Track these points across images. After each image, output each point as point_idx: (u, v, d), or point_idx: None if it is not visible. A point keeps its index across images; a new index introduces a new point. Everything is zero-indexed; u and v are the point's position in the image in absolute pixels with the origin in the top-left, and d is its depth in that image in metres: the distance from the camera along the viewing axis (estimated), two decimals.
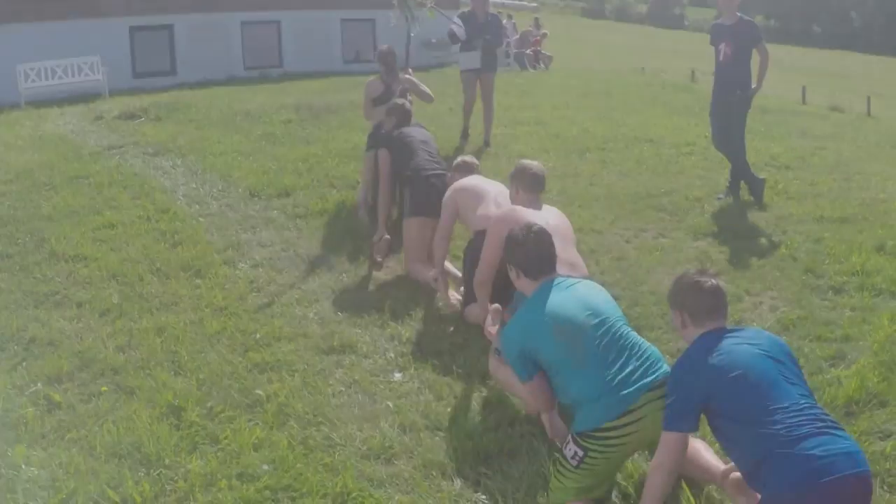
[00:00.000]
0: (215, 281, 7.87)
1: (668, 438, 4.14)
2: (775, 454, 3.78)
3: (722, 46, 10.14)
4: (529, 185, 6.33)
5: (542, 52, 30.18)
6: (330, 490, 4.79)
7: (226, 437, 5.32)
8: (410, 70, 11.09)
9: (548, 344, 4.74)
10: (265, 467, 5.00)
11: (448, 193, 7.44)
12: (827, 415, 3.98)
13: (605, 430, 4.45)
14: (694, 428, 4.20)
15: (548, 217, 6.03)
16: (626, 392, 4.46)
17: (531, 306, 4.93)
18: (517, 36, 29.87)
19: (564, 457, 4.61)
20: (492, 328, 5.66)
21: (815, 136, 15.18)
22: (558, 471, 4.64)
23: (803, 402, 3.92)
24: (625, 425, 4.43)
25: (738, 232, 9.04)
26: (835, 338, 6.61)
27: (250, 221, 9.58)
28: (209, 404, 5.71)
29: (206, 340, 6.70)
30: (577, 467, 4.53)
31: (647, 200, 10.13)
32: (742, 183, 10.32)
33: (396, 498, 4.75)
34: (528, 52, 29.28)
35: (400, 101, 9.34)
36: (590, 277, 5.73)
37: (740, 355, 4.08)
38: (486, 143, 13.32)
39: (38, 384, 6.05)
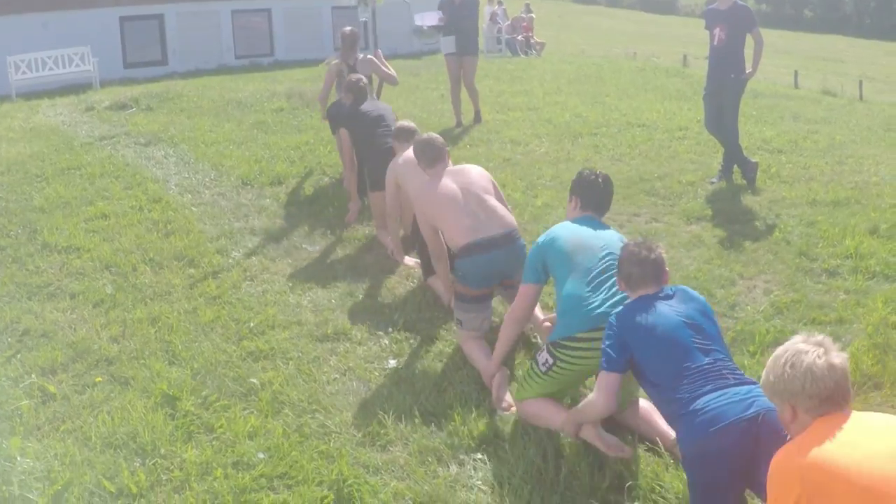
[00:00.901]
0: (208, 270, 7.86)
1: (605, 379, 4.56)
2: (680, 416, 4.19)
3: (716, 31, 10.13)
4: (431, 158, 6.75)
5: (534, 38, 30.10)
6: (325, 477, 4.79)
7: (221, 426, 5.33)
8: (379, 52, 11.56)
9: (560, 246, 5.32)
10: (260, 455, 5.01)
11: (388, 171, 7.71)
12: (733, 370, 4.29)
13: (576, 341, 5.00)
14: (622, 370, 4.53)
15: (459, 182, 6.49)
16: (600, 312, 4.97)
17: (566, 224, 5.54)
18: (508, 22, 29.80)
19: (536, 362, 5.25)
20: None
21: (808, 120, 15.17)
22: (528, 374, 5.31)
23: (707, 363, 4.26)
24: (593, 340, 4.88)
25: (731, 216, 9.04)
26: (829, 321, 6.63)
27: (243, 210, 9.57)
28: (204, 393, 5.72)
29: (199, 330, 6.69)
30: (545, 373, 5.17)
31: (640, 185, 10.12)
32: (735, 167, 10.32)
33: (392, 484, 4.75)
34: (519, 37, 29.21)
35: (355, 77, 9.42)
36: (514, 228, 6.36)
37: (661, 319, 4.46)
38: (477, 116, 13.82)
39: (33, 376, 6.06)
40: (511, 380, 5.79)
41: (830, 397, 3.32)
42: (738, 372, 4.29)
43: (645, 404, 5.04)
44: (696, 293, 4.76)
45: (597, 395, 4.59)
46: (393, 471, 4.90)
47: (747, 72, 10.15)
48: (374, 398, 5.67)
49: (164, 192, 10.24)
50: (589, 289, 5.09)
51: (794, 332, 6.19)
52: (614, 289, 5.02)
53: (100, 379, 6.00)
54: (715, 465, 4.02)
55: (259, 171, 10.83)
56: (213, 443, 5.19)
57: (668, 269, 4.83)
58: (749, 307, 6.88)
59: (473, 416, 5.36)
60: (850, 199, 9.45)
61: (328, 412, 5.48)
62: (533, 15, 31.55)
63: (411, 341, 6.46)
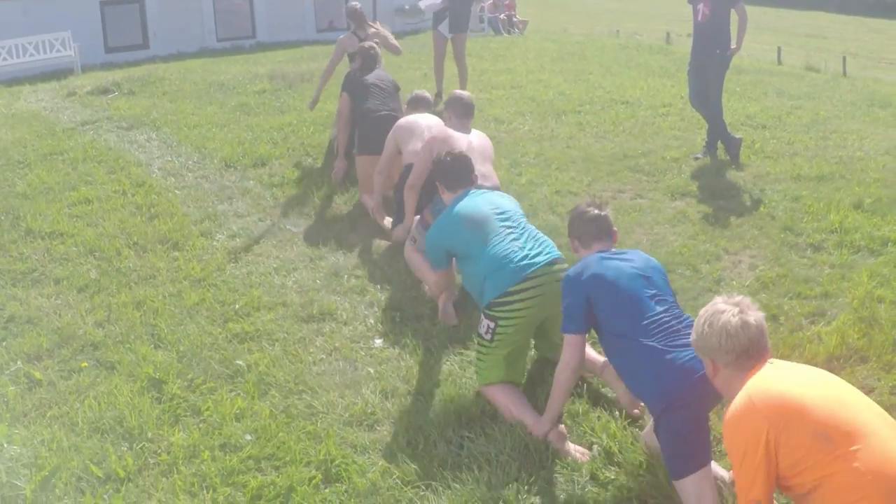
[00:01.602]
0: (193, 253, 7.83)
1: (568, 340, 4.76)
2: (646, 360, 4.38)
3: (700, 7, 10.12)
4: (460, 112, 7.42)
5: (517, 17, 30.03)
6: (313, 458, 4.79)
7: (207, 409, 5.31)
8: (378, 23, 12.01)
9: (460, 234, 5.64)
10: (248, 437, 5.00)
11: (390, 132, 8.09)
12: (682, 319, 4.53)
13: (510, 295, 5.19)
14: (585, 328, 4.73)
15: (471, 138, 7.20)
16: (525, 263, 5.26)
17: (448, 210, 5.86)
18: (490, 1, 29.72)
19: (481, 336, 5.35)
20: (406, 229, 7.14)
21: (792, 96, 15.19)
22: (479, 352, 5.40)
23: (661, 312, 4.50)
24: (526, 290, 5.19)
25: (715, 191, 9.06)
26: (814, 295, 6.65)
27: (226, 192, 9.54)
28: (190, 376, 5.71)
29: (185, 312, 6.67)
30: (491, 340, 5.27)
31: (624, 162, 10.13)
32: (719, 143, 10.33)
33: (380, 464, 4.75)
34: (501, 16, 29.14)
35: (367, 44, 10.00)
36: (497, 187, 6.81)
37: (616, 270, 4.69)
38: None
39: (18, 362, 6.02)
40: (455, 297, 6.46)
41: (746, 352, 3.67)
42: (687, 320, 4.50)
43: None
44: (640, 252, 5.04)
45: (565, 354, 4.77)
46: (380, 450, 4.90)
47: (732, 47, 10.15)
48: (360, 378, 5.66)
49: (148, 176, 10.19)
50: (505, 248, 5.38)
51: (779, 307, 6.29)
52: (529, 242, 5.44)
53: (85, 364, 5.97)
54: (688, 412, 4.25)
55: (242, 153, 10.80)
56: (200, 425, 5.18)
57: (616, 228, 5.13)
58: (734, 282, 6.89)
59: (460, 393, 5.36)
60: (834, 173, 9.48)
61: (315, 393, 5.47)
62: None
63: (397, 321, 6.45)
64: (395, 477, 4.64)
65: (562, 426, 4.93)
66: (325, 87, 11.56)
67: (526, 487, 4.50)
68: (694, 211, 8.51)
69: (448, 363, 5.81)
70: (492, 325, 5.27)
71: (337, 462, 4.74)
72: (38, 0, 23.55)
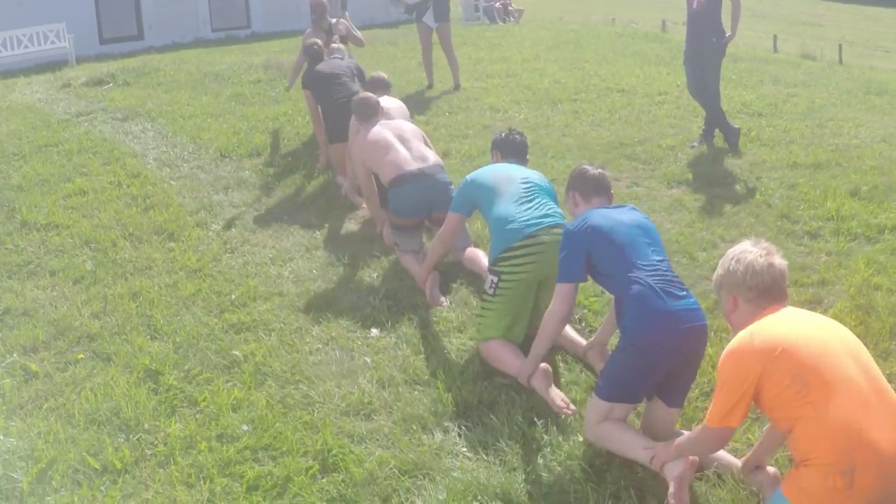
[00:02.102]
0: (188, 243, 7.83)
1: (560, 289, 4.99)
2: (636, 306, 4.60)
3: None
4: (366, 117, 7.64)
5: (512, 5, 29.96)
6: (310, 448, 4.79)
7: (204, 399, 5.31)
8: (347, 14, 12.61)
9: (486, 181, 6.03)
10: (244, 427, 5.00)
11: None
12: (675, 276, 4.78)
13: (513, 250, 5.56)
14: (582, 278, 5.00)
15: (398, 124, 7.53)
16: (529, 223, 5.60)
17: (490, 166, 6.31)
18: None
19: (485, 292, 5.73)
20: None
21: (788, 84, 15.16)
22: (483, 307, 5.78)
23: (657, 261, 4.75)
24: (528, 246, 5.54)
25: (712, 179, 9.05)
26: (811, 283, 6.65)
27: (222, 182, 9.52)
28: (186, 367, 5.70)
29: (181, 303, 6.67)
30: (494, 294, 5.63)
31: (621, 150, 10.12)
32: (716, 131, 10.31)
33: (377, 453, 4.75)
34: (496, 4, 29.06)
35: (309, 41, 10.53)
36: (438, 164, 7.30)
37: (614, 220, 4.91)
38: (457, 87, 14.06)
39: (14, 355, 6.01)
40: (439, 280, 6.67)
41: (768, 291, 3.90)
42: (677, 277, 4.80)
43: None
44: (637, 209, 5.26)
45: (554, 303, 5.02)
46: (377, 439, 4.90)
47: (727, 35, 10.13)
48: (357, 367, 5.66)
49: (143, 167, 10.17)
50: (516, 208, 5.72)
51: None
52: (538, 207, 5.74)
53: (82, 356, 5.97)
54: (654, 358, 4.55)
55: (237, 143, 10.78)
56: (197, 416, 5.18)
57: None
58: None
59: (457, 383, 5.36)
60: (830, 161, 9.48)
61: (311, 383, 5.47)
62: None
63: (393, 310, 6.45)
64: (392, 466, 4.63)
65: (548, 368, 5.13)
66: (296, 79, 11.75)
67: (523, 476, 4.50)
68: (690, 199, 8.50)
69: (444, 352, 5.80)
70: (495, 279, 5.62)
71: (334, 452, 4.73)
72: None
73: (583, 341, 5.60)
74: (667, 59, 17.14)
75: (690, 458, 4.11)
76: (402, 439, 4.86)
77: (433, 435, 4.91)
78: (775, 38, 24.40)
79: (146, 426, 5.09)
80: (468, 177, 6.26)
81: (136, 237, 8.01)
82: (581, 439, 4.75)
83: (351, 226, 8.19)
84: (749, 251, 4.00)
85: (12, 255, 7.77)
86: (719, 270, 4.06)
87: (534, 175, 6.09)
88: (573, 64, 16.65)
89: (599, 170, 5.33)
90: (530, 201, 5.77)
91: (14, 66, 21.11)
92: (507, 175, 6.01)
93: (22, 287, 7.13)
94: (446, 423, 5.00)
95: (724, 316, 4.13)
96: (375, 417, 5.12)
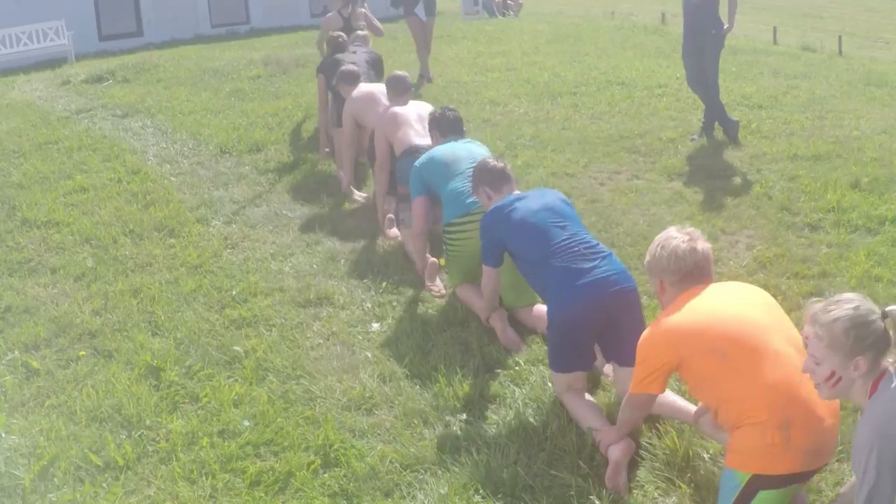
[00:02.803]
0: (189, 239, 7.83)
1: (486, 271, 5.71)
2: (551, 279, 5.05)
3: None
4: (395, 92, 8.17)
5: None
6: (312, 443, 4.80)
7: (205, 395, 5.31)
8: (366, 5, 12.73)
9: (436, 164, 6.64)
10: (246, 423, 5.00)
11: (345, 106, 8.81)
12: (594, 245, 5.13)
13: (453, 226, 6.31)
14: (498, 263, 5.60)
15: (417, 109, 7.95)
16: (470, 202, 6.20)
17: (435, 149, 6.84)
18: None
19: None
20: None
21: (788, 76, 15.14)
22: (454, 259, 6.47)
23: (568, 239, 5.12)
24: (464, 223, 6.23)
25: (712, 172, 9.04)
26: (812, 274, 6.64)
27: (222, 178, 9.53)
28: (188, 363, 5.71)
29: (182, 299, 6.67)
30: (448, 256, 6.49)
31: (621, 143, 10.11)
32: (716, 124, 10.30)
33: (378, 448, 4.75)
34: None
35: (335, 34, 10.84)
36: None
37: (523, 210, 5.37)
38: (428, 79, 14.36)
39: (16, 352, 6.02)
40: (438, 268, 6.92)
41: (690, 273, 4.17)
42: (590, 244, 5.14)
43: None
44: (549, 189, 5.94)
45: (484, 279, 5.77)
46: (379, 434, 4.91)
47: (725, 27, 10.12)
48: (358, 362, 5.66)
49: (143, 164, 10.18)
50: (459, 185, 6.37)
51: (776, 287, 6.28)
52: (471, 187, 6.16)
53: (83, 353, 5.97)
54: (574, 331, 4.95)
55: (237, 139, 10.79)
56: (199, 412, 5.18)
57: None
58: (732, 262, 6.89)
59: (458, 377, 5.36)
60: (831, 153, 9.46)
61: (313, 378, 5.47)
62: None
63: (394, 304, 6.46)
64: (393, 461, 4.64)
65: (503, 312, 5.92)
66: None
67: (525, 471, 4.50)
68: (690, 191, 8.49)
69: (446, 346, 5.80)
70: (445, 247, 6.50)
71: (335, 447, 4.74)
72: None
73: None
74: (666, 52, 17.10)
75: (626, 444, 4.42)
76: (403, 434, 4.86)
77: (435, 429, 4.92)
78: (775, 29, 24.34)
79: (148, 422, 5.09)
80: (416, 163, 6.83)
81: (137, 234, 8.01)
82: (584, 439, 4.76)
83: (352, 221, 8.19)
84: (673, 237, 4.25)
85: (13, 253, 7.77)
86: (647, 257, 4.33)
87: (477, 149, 6.74)
88: (573, 57, 16.63)
89: (501, 162, 5.88)
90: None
91: (14, 63, 21.08)
92: (454, 155, 6.62)
93: (23, 284, 7.13)
94: (448, 418, 5.00)
95: (658, 297, 4.40)
96: (377, 412, 5.12)
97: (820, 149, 9.58)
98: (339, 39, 10.61)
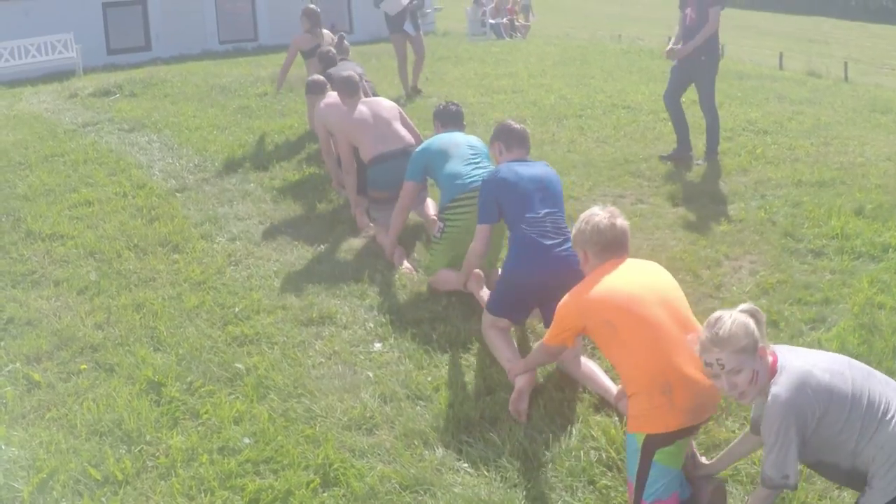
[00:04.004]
0: (193, 255, 7.83)
1: (479, 229, 6.15)
2: (518, 242, 5.79)
3: (688, 11, 10.08)
4: (349, 93, 8.50)
5: (518, 21, 29.98)
6: (311, 462, 4.80)
7: (206, 412, 5.32)
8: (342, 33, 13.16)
9: (436, 148, 7.12)
10: (246, 440, 5.01)
11: (316, 119, 9.16)
12: (562, 227, 5.78)
13: (456, 202, 6.70)
14: (494, 220, 6.05)
15: (377, 107, 8.45)
16: (469, 181, 6.70)
17: (436, 137, 7.35)
18: (492, 5, 29.68)
19: (434, 236, 7.03)
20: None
21: (793, 101, 15.16)
22: (431, 248, 7.10)
23: (544, 216, 5.76)
24: (469, 198, 6.57)
25: (716, 196, 9.05)
26: (815, 301, 6.64)
27: (227, 195, 9.53)
28: (189, 379, 5.71)
29: (184, 315, 6.67)
30: (441, 238, 6.86)
31: (625, 166, 10.12)
32: (705, 142, 10.30)
33: (378, 468, 4.75)
34: (503, 20, 29.11)
35: (325, 48, 11.13)
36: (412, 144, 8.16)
37: (518, 175, 5.94)
38: (418, 90, 14.69)
39: (17, 364, 6.04)
40: (405, 253, 7.58)
41: (609, 246, 4.76)
42: (560, 225, 5.79)
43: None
44: (551, 168, 6.27)
45: (474, 243, 6.20)
46: (379, 454, 4.90)
47: (669, 48, 10.20)
48: (359, 382, 5.66)
49: (149, 178, 10.19)
50: (463, 167, 6.83)
51: (779, 313, 6.28)
52: (482, 168, 6.79)
53: (85, 366, 5.98)
54: (520, 291, 5.76)
55: (243, 156, 10.80)
56: (199, 428, 5.19)
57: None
58: (735, 287, 6.89)
59: (459, 398, 5.37)
60: (835, 179, 9.46)
61: (314, 396, 5.47)
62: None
63: (396, 324, 6.45)
64: (393, 481, 4.64)
65: (480, 274, 6.51)
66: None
67: (524, 493, 4.49)
68: (694, 216, 8.50)
69: (447, 367, 5.81)
70: (442, 225, 6.85)
71: (335, 466, 4.74)
72: (40, 2, 23.56)
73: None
74: None
75: (530, 376, 5.25)
76: (403, 454, 4.86)
77: (435, 450, 4.92)
78: (781, 55, 24.45)
79: (148, 438, 5.10)
80: (419, 148, 7.43)
81: (141, 248, 8.03)
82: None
83: (355, 241, 8.19)
84: (596, 214, 4.86)
85: (17, 265, 7.79)
86: (573, 230, 4.93)
87: (475, 140, 7.21)
88: (579, 80, 16.67)
89: (522, 126, 6.38)
90: (476, 163, 6.88)
91: (21, 75, 21.16)
92: (454, 141, 7.10)
93: (26, 297, 7.15)
94: (448, 439, 5.00)
95: (581, 267, 4.91)
96: (377, 432, 5.12)
97: (824, 175, 9.59)
98: (330, 54, 10.78)
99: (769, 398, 3.73)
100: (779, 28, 43.84)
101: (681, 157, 10.25)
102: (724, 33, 10.08)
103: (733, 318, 3.83)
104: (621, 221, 4.86)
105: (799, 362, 3.78)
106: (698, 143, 10.89)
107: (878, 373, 3.91)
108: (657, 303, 4.48)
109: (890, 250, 7.50)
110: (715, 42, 10.11)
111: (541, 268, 5.62)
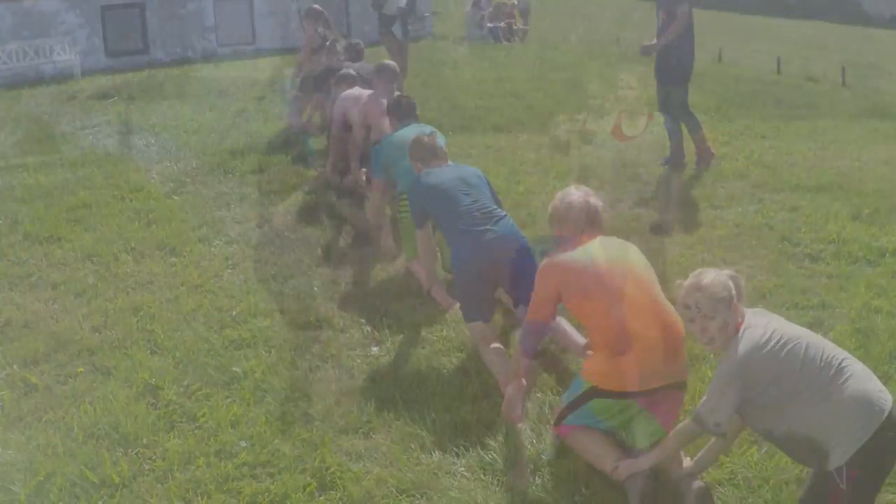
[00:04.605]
0: (190, 259, 7.83)
1: (417, 235, 6.52)
2: (455, 240, 6.01)
3: (661, 13, 10.04)
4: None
5: (516, 25, 29.95)
6: (308, 465, 4.79)
7: (203, 415, 5.31)
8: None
9: (392, 146, 7.41)
10: (243, 444, 5.00)
11: (335, 109, 9.65)
12: (490, 210, 6.02)
13: (405, 194, 7.02)
14: (422, 224, 6.42)
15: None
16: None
17: (394, 133, 7.68)
18: (490, 9, 29.65)
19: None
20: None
21: (791, 106, 15.18)
22: (404, 232, 7.31)
23: (467, 204, 6.02)
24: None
25: (713, 201, 9.06)
26: (812, 305, 6.64)
27: (224, 198, 9.53)
28: (186, 382, 5.71)
29: (182, 318, 6.67)
30: (403, 226, 7.28)
31: (624, 171, 10.12)
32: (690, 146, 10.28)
33: (375, 471, 4.75)
34: (501, 24, 29.08)
35: (345, 71, 10.70)
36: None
37: (439, 179, 6.27)
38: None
39: (14, 367, 6.02)
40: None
41: (582, 223, 5.05)
42: (487, 209, 6.02)
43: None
44: (469, 166, 6.88)
45: (418, 245, 6.64)
46: (376, 458, 4.90)
47: (645, 43, 10.25)
48: (356, 386, 5.66)
49: (146, 182, 10.19)
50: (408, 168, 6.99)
51: None
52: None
53: (82, 369, 5.97)
54: (471, 283, 5.89)
55: (241, 159, 10.80)
56: (196, 432, 5.18)
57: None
58: None
59: (456, 402, 5.37)
60: (832, 184, 9.48)
61: (310, 400, 5.47)
62: (514, 2, 31.35)
63: (393, 328, 6.45)
64: (389, 485, 4.63)
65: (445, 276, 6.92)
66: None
67: (521, 497, 4.49)
68: (692, 220, 8.50)
69: (444, 371, 5.81)
70: (400, 216, 7.30)
71: (332, 470, 4.74)
72: (38, 4, 23.52)
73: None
74: None
75: (519, 383, 5.18)
76: (400, 458, 4.86)
77: (432, 454, 4.91)
78: (779, 59, 24.40)
79: (145, 441, 5.09)
80: (376, 147, 7.82)
81: (138, 251, 8.02)
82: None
83: (352, 245, 8.19)
84: (571, 193, 5.18)
85: (14, 267, 7.78)
86: (549, 209, 5.22)
87: (429, 130, 7.28)
88: (577, 84, 16.67)
89: (433, 139, 6.73)
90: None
91: (20, 77, 21.11)
92: (410, 136, 7.10)
93: (23, 299, 7.14)
94: (444, 443, 5.00)
95: (555, 242, 5.18)
96: (374, 436, 5.12)
97: (821, 179, 9.61)
98: (349, 76, 10.63)
99: (728, 352, 4.07)
100: (776, 33, 43.83)
101: (675, 162, 10.25)
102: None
103: (716, 272, 4.26)
104: (595, 200, 5.18)
105: (760, 329, 4.09)
106: (694, 148, 10.89)
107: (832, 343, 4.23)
108: (622, 274, 4.82)
109: (887, 254, 7.51)
110: (687, 46, 10.02)
111: (479, 255, 5.84)
